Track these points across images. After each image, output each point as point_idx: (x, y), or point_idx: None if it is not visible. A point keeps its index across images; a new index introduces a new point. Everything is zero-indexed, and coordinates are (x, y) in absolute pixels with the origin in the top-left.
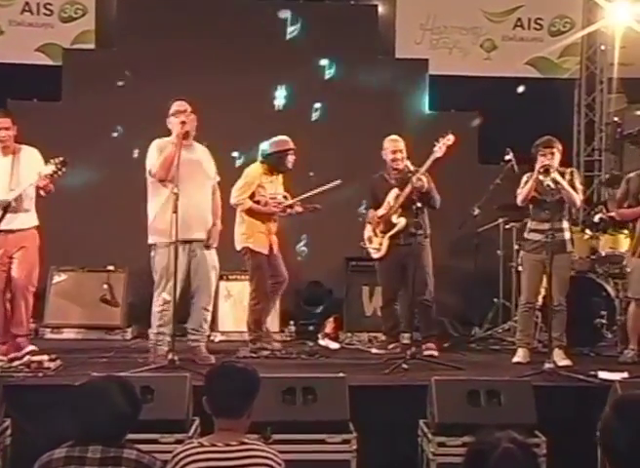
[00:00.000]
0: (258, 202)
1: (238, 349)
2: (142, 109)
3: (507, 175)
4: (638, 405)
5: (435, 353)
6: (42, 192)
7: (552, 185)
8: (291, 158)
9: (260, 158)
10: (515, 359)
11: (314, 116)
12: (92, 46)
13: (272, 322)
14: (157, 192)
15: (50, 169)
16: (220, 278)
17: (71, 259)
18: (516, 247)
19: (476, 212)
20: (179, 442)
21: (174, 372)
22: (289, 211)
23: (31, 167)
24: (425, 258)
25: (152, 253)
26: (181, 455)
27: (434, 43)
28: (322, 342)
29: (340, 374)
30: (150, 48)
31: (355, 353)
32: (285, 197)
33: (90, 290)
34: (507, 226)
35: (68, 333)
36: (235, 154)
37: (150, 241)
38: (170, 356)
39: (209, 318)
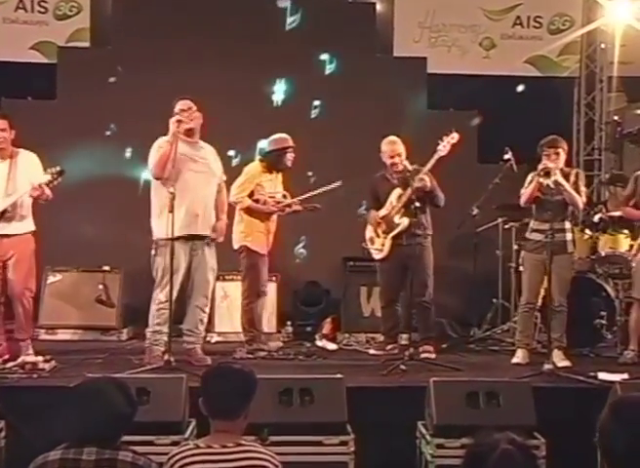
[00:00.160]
0: (257, 200)
1: (235, 350)
2: (138, 107)
3: (506, 175)
4: (636, 407)
5: (432, 356)
6: (40, 201)
7: (552, 185)
8: (290, 156)
9: (258, 156)
10: (514, 360)
11: (313, 113)
12: (87, 44)
13: (269, 322)
14: (158, 191)
15: (45, 178)
16: (217, 278)
17: (66, 260)
18: (515, 247)
19: (475, 211)
20: (175, 443)
21: (170, 374)
22: (287, 210)
23: (29, 172)
24: (427, 259)
25: (153, 252)
26: (177, 457)
27: (433, 41)
28: (319, 343)
29: (338, 375)
30: (146, 45)
31: (353, 354)
32: (284, 196)
33: (85, 290)
34: (506, 226)
35: (63, 334)
36: (232, 153)
37: (153, 238)
38: (166, 357)
39: (205, 319)
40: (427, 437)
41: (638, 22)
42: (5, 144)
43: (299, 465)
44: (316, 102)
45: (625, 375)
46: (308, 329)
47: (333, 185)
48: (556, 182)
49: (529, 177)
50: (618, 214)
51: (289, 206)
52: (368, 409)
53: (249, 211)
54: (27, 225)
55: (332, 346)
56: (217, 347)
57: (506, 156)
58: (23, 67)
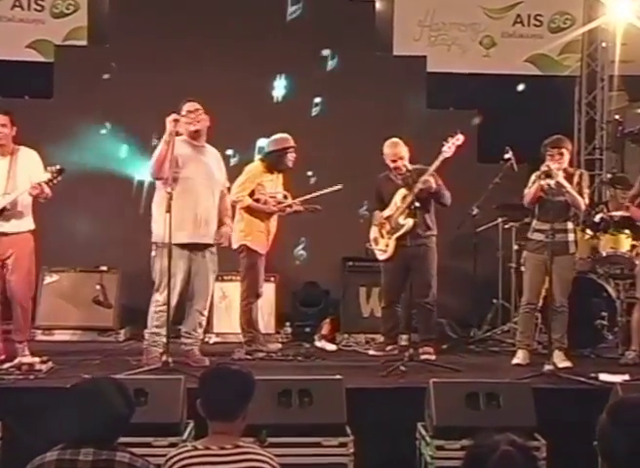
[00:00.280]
0: (257, 200)
1: (233, 351)
2: (136, 106)
3: (507, 175)
4: (634, 409)
5: (432, 357)
6: (40, 199)
7: (554, 186)
8: (291, 156)
9: (257, 155)
10: (515, 360)
11: (314, 111)
12: (84, 42)
13: (268, 323)
14: (159, 192)
15: (45, 177)
16: (216, 279)
17: (63, 260)
18: (516, 247)
19: (475, 211)
20: (172, 445)
21: (168, 375)
22: (288, 210)
23: (29, 170)
24: (431, 260)
25: (153, 253)
26: (175, 459)
27: (432, 40)
28: (318, 344)
29: (337, 376)
30: (144, 44)
31: (352, 355)
32: (285, 196)
33: (82, 291)
34: (507, 226)
35: (60, 335)
36: (229, 152)
37: (153, 239)
38: (164, 358)
39: (204, 322)
40: (427, 438)
41: (639, 21)
42: (5, 141)
43: (297, 467)
44: (316, 100)
45: (626, 377)
46: (307, 329)
47: (333, 188)
48: (558, 184)
49: (532, 177)
50: (619, 213)
51: (289, 206)
52: (367, 410)
53: (249, 210)
54: (27, 224)
55: (331, 347)
56: (215, 348)
57: (507, 155)
58: (20, 66)
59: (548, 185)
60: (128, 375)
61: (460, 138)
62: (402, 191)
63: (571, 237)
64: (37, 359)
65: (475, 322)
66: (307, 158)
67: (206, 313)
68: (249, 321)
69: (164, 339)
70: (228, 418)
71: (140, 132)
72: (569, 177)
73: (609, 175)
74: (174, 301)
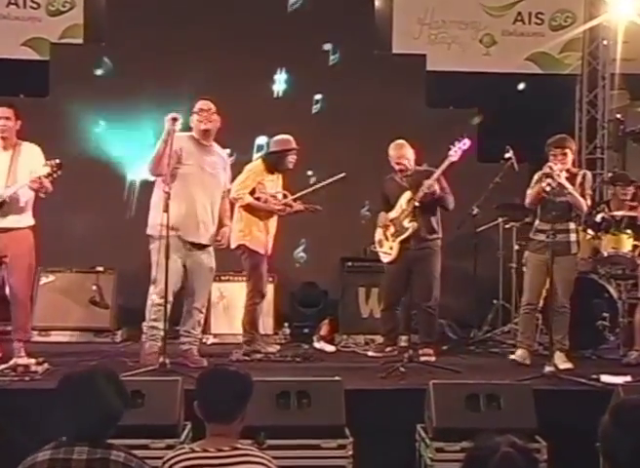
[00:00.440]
0: (258, 199)
1: (231, 352)
2: (133, 105)
3: (507, 174)
4: (637, 411)
5: (432, 358)
6: (40, 194)
7: (555, 186)
8: (292, 158)
9: (256, 154)
10: (512, 356)
11: (314, 108)
12: (80, 40)
13: (266, 324)
14: (158, 189)
15: (44, 170)
16: (213, 279)
17: (59, 260)
18: (516, 247)
19: (475, 211)
20: (170, 447)
21: (165, 376)
22: (289, 210)
23: (31, 164)
24: (434, 263)
25: (151, 246)
26: (172, 461)
27: (432, 38)
28: (317, 345)
29: (336, 378)
30: (141, 42)
31: (351, 356)
32: (285, 196)
33: (78, 291)
34: (507, 226)
35: (56, 336)
36: (227, 151)
37: (148, 232)
38: (161, 359)
39: (202, 321)
40: (427, 440)
41: None
42: (8, 133)
43: None
44: (316, 97)
45: (628, 378)
46: (306, 330)
47: (337, 177)
48: (560, 185)
49: (535, 177)
50: (621, 213)
51: (290, 206)
52: (366, 411)
53: (248, 209)
54: (26, 220)
55: (330, 348)
56: (213, 349)
57: (507, 155)
58: (15, 64)
59: (550, 186)
60: (125, 377)
61: (466, 143)
62: (408, 194)
63: (573, 237)
64: (33, 360)
65: (475, 323)
66: (307, 157)
67: (204, 311)
68: (252, 322)
69: (162, 333)
70: (226, 420)
71: (137, 130)
72: (572, 178)
73: (610, 175)
74: (170, 295)
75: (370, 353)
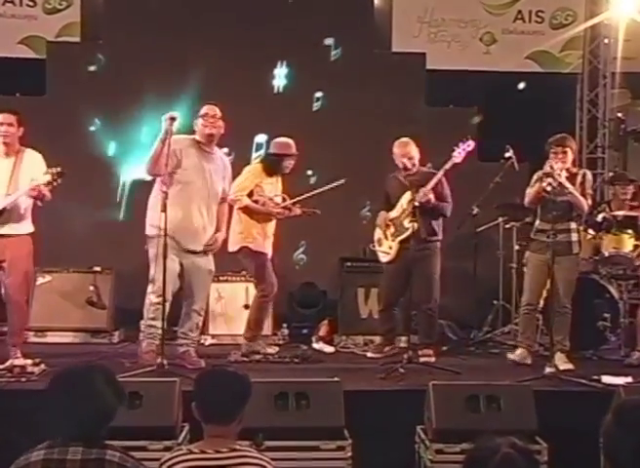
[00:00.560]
0: (256, 201)
1: (229, 353)
2: (130, 103)
3: (507, 173)
4: None
5: (432, 359)
6: (38, 202)
7: (555, 185)
8: (288, 163)
9: (255, 153)
10: (510, 356)
11: (315, 106)
12: (77, 39)
13: (265, 325)
14: (156, 189)
15: (44, 179)
16: (211, 280)
17: (56, 260)
18: (517, 247)
19: (475, 211)
20: (167, 449)
21: (163, 377)
22: (287, 213)
23: (32, 172)
24: (434, 265)
25: (148, 246)
26: (170, 463)
27: (432, 36)
28: (316, 346)
29: (335, 379)
30: (138, 40)
31: (350, 357)
32: (283, 199)
33: (75, 291)
34: (507, 226)
35: (53, 337)
36: (225, 150)
37: (146, 232)
38: (159, 360)
39: (200, 323)
40: (427, 442)
41: None
42: (10, 139)
43: None
44: (316, 95)
45: (629, 379)
46: (305, 331)
47: (336, 183)
48: (561, 185)
49: (535, 177)
50: (622, 213)
51: (288, 209)
52: (366, 413)
53: (246, 211)
54: (26, 227)
55: (329, 349)
56: (211, 350)
57: (507, 154)
58: (12, 62)
59: (550, 186)
60: (122, 378)
61: (470, 144)
62: (409, 194)
63: (574, 237)
64: (29, 361)
65: (475, 323)
66: (307, 156)
67: (203, 313)
68: (258, 319)
69: (159, 331)
70: (224, 421)
71: (135, 129)
72: (572, 177)
73: (610, 174)
74: (169, 295)
75: (369, 354)
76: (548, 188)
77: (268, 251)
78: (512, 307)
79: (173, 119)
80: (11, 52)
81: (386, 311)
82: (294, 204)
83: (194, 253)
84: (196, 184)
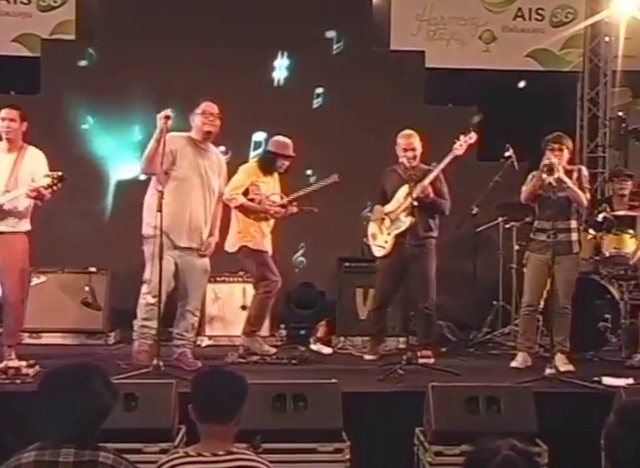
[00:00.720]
0: (252, 200)
1: (226, 354)
2: (126, 102)
3: (507, 173)
4: None
5: (431, 360)
6: (38, 202)
7: (554, 183)
8: (281, 163)
9: (253, 152)
10: (513, 363)
11: (315, 102)
12: (72, 36)
13: (263, 325)
14: (152, 188)
15: (44, 182)
16: (208, 280)
17: (51, 260)
18: (516, 247)
19: (475, 211)
20: (164, 451)
21: (159, 379)
22: (283, 212)
23: (32, 170)
24: (430, 262)
25: (144, 246)
26: (166, 466)
27: (431, 34)
28: (314, 347)
29: (333, 380)
30: (134, 38)
31: (348, 358)
32: (281, 198)
33: (70, 292)
34: (507, 226)
35: (48, 338)
36: (222, 148)
37: (142, 231)
38: (155, 361)
39: (196, 323)
40: (425, 444)
41: None
42: (12, 135)
43: None
44: (317, 92)
45: (630, 380)
46: (302, 332)
47: (330, 180)
48: (559, 180)
49: (530, 177)
50: (622, 212)
51: (285, 207)
52: (364, 415)
53: (242, 209)
54: (22, 225)
55: (327, 350)
56: (207, 351)
57: (507, 153)
58: (6, 61)
59: (552, 176)
60: (118, 380)
61: (472, 137)
62: (405, 187)
63: (574, 236)
64: (24, 363)
65: (475, 324)
66: (306, 156)
67: (198, 313)
68: (259, 315)
69: (153, 331)
70: (222, 420)
71: (131, 128)
72: (568, 174)
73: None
74: (163, 295)
75: (366, 357)
76: (550, 179)
77: (268, 248)
78: (512, 308)
79: (167, 117)
80: (5, 50)
81: (380, 310)
82: (290, 202)
83: (191, 249)
84: (192, 181)
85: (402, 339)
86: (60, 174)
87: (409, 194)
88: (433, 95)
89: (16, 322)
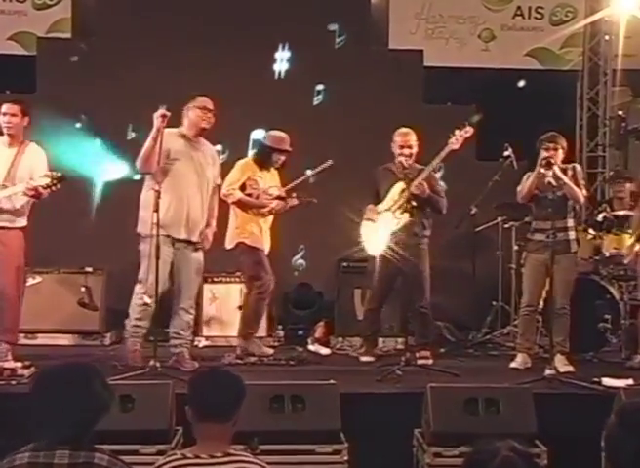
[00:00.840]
0: (250, 195)
1: (224, 355)
2: (123, 100)
3: (506, 172)
4: None
5: (430, 361)
6: (35, 200)
7: (554, 182)
8: (277, 158)
9: (252, 151)
10: (512, 364)
11: (316, 100)
12: (68, 35)
13: (260, 326)
14: (147, 187)
15: (43, 181)
16: (205, 280)
17: (47, 261)
18: (516, 247)
19: (474, 210)
20: (160, 453)
21: (155, 380)
22: (282, 204)
23: (32, 167)
24: (424, 262)
25: (140, 245)
26: None
27: (430, 33)
28: (312, 348)
29: (331, 381)
30: (131, 36)
31: (347, 359)
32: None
33: (66, 293)
34: (506, 226)
35: (44, 339)
36: (219, 147)
37: (137, 231)
38: (152, 362)
39: (192, 322)
40: (424, 445)
41: None
42: (13, 130)
43: None
44: (317, 88)
45: (630, 381)
46: (300, 332)
47: (324, 165)
48: (556, 177)
49: (524, 177)
50: (622, 212)
51: (283, 199)
52: (362, 416)
53: (240, 205)
54: (19, 220)
55: (325, 351)
56: (205, 352)
57: (506, 153)
58: (1, 59)
59: (549, 183)
60: (114, 381)
61: (469, 130)
62: (400, 185)
63: (572, 235)
64: (19, 364)
65: (474, 325)
66: (305, 154)
67: (193, 312)
68: (254, 317)
69: (144, 331)
70: (221, 419)
71: (126, 126)
72: (563, 172)
73: (611, 173)
74: (159, 295)
75: (362, 358)
76: (550, 173)
77: (265, 246)
78: (511, 308)
79: (164, 116)
80: (0, 48)
81: (376, 311)
82: (287, 192)
83: (188, 243)
84: (188, 177)
85: (400, 340)
86: (59, 174)
87: (404, 191)
88: (432, 94)
89: (13, 318)
